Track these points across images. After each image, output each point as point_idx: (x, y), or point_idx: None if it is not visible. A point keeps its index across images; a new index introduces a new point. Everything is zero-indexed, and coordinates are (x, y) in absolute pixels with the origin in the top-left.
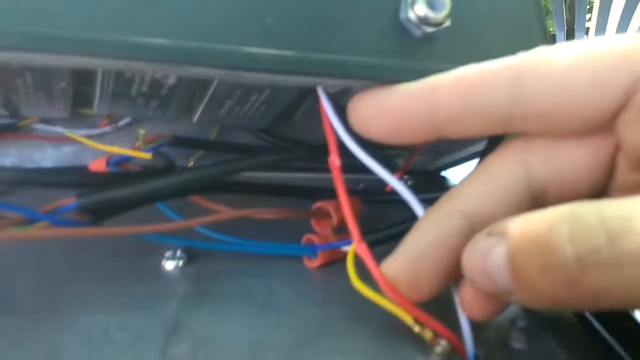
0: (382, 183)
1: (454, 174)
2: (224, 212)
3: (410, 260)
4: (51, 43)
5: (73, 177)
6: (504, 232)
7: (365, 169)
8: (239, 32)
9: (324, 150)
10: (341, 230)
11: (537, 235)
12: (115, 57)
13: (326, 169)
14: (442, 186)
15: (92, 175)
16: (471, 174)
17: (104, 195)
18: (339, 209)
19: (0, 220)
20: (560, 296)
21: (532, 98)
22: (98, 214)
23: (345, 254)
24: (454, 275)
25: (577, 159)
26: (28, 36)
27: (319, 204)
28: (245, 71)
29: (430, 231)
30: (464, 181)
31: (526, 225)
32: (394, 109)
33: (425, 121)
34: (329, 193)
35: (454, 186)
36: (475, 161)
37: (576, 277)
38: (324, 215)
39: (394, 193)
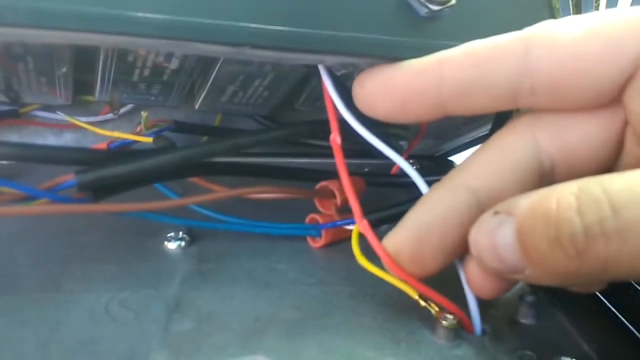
0: (386, 167)
1: (460, 159)
2: (222, 191)
3: (414, 234)
4: (56, 19)
5: (76, 154)
6: (511, 210)
7: (370, 154)
8: (244, 8)
9: (326, 129)
10: (345, 210)
11: (545, 209)
12: (120, 34)
13: (328, 154)
14: (449, 170)
15: (94, 152)
16: (479, 149)
17: (104, 172)
18: (343, 189)
19: (1, 196)
20: (570, 269)
21: (540, 69)
22: (98, 191)
23: (349, 234)
24: (459, 251)
25: (586, 134)
26: (34, 11)
27: (322, 184)
28: (250, 48)
29: (436, 205)
30: (471, 156)
31: (534, 201)
32: (400, 84)
33: (431, 96)
34: (332, 176)
35: (462, 161)
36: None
37: (584, 249)
38: (327, 195)
39: (398, 176)
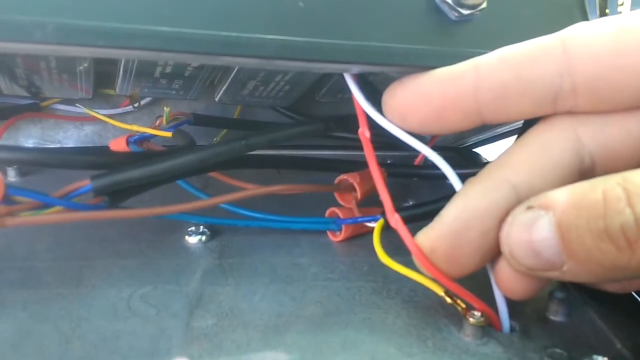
0: (408, 159)
1: (485, 152)
2: (250, 189)
3: (452, 230)
4: (83, 36)
5: (92, 158)
6: (548, 204)
7: (391, 146)
8: (272, 21)
9: (350, 122)
10: (364, 204)
11: (590, 202)
12: (147, 49)
13: (348, 146)
14: (475, 163)
15: (110, 155)
16: (518, 144)
17: (119, 176)
18: (363, 182)
19: (17, 206)
20: (620, 261)
21: (580, 66)
22: (114, 195)
23: (370, 228)
24: (497, 251)
25: (629, 131)
26: (62, 29)
27: (342, 177)
28: (280, 60)
29: (476, 200)
30: (511, 151)
31: (575, 194)
32: (434, 91)
33: (468, 102)
34: (352, 166)
35: (500, 156)
36: (508, 139)
37: (635, 239)
38: (347, 188)
39: (420, 167)
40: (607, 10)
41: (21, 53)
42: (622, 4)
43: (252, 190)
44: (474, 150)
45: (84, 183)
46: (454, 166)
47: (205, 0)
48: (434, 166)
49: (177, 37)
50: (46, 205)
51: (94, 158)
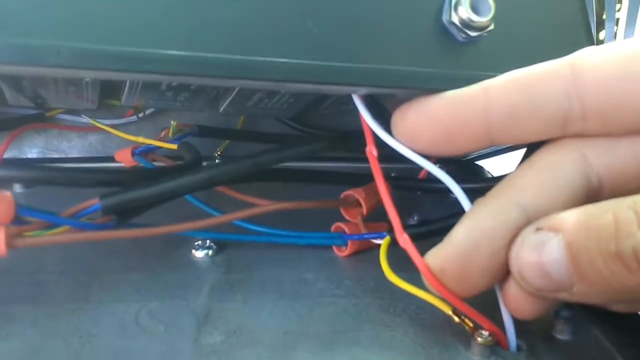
0: (412, 172)
1: (490, 164)
2: (260, 205)
3: (462, 250)
4: (98, 60)
5: (99, 176)
6: (557, 226)
7: (395, 158)
8: (284, 44)
9: (357, 139)
10: (369, 218)
11: (601, 224)
12: (162, 73)
13: (355, 159)
14: (478, 176)
15: (116, 173)
16: (526, 166)
17: (128, 196)
18: (368, 197)
19: (26, 227)
20: (631, 283)
21: (589, 90)
22: (123, 214)
23: (375, 243)
24: (506, 271)
25: (637, 153)
26: (76, 53)
27: (348, 192)
28: (289, 82)
29: (485, 221)
30: (519, 172)
31: (585, 216)
32: (444, 114)
33: (477, 125)
34: (357, 178)
35: (508, 177)
36: (513, 152)
37: None
38: (353, 203)
39: (425, 180)
40: (604, 16)
41: (33, 75)
42: (619, 10)
43: (263, 207)
44: (477, 163)
45: (93, 202)
46: (456, 179)
47: (217, 24)
48: (438, 180)
49: (190, 61)
50: (55, 225)
51: (104, 176)
